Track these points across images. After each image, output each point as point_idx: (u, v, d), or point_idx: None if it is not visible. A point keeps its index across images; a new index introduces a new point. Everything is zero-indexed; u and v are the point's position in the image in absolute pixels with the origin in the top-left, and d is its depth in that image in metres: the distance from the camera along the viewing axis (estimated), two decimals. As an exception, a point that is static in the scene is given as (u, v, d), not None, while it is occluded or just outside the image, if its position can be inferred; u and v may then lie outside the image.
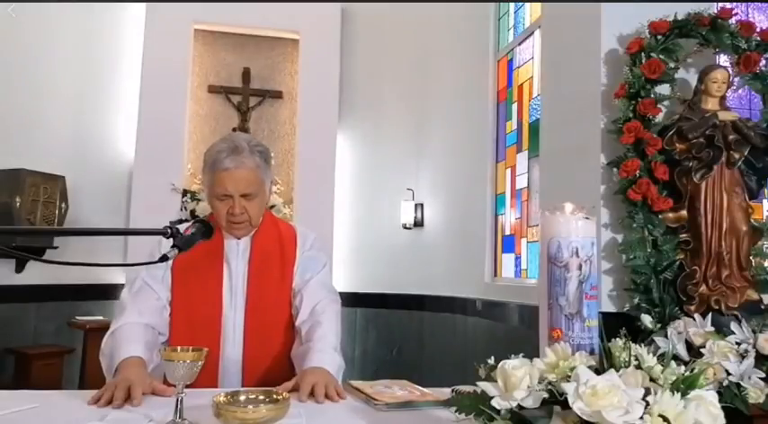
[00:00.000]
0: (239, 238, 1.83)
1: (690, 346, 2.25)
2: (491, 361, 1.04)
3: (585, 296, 1.09)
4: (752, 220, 2.60)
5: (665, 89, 2.74)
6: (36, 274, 4.31)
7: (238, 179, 1.70)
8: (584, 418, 0.85)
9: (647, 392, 0.88)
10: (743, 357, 2.10)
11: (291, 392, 1.47)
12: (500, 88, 4.55)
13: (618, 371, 0.92)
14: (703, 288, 2.52)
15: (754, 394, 2.02)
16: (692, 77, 2.79)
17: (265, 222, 1.88)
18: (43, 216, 4.22)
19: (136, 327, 1.71)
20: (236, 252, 1.83)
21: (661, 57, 2.70)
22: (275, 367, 1.78)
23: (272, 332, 1.82)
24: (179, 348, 1.31)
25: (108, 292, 4.76)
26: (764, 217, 2.95)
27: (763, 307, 2.52)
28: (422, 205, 5.18)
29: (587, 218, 1.12)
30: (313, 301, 1.80)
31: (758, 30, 2.79)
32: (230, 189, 1.70)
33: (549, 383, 0.94)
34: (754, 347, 2.13)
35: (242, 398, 1.24)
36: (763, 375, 2.07)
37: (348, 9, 5.38)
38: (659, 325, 2.47)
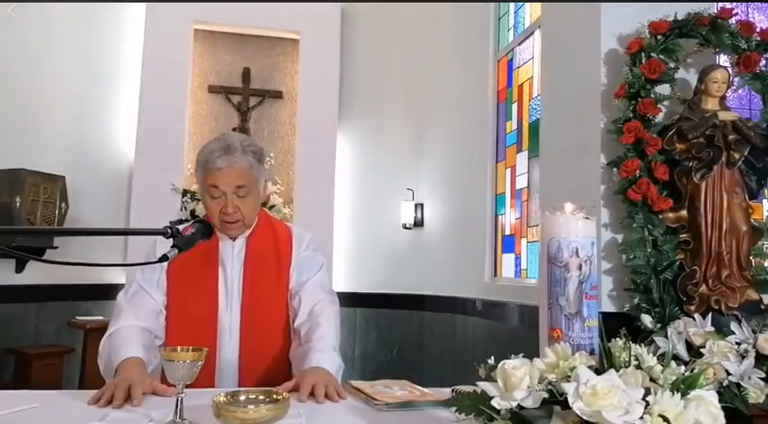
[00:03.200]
0: (234, 239, 1.83)
1: (690, 346, 2.25)
2: (491, 361, 1.04)
3: (585, 296, 1.09)
4: (752, 220, 2.60)
5: (665, 89, 2.74)
6: (36, 274, 4.31)
7: (231, 176, 1.70)
8: (585, 418, 0.85)
9: (647, 392, 0.88)
10: (743, 357, 2.10)
11: (291, 392, 1.47)
12: (500, 88, 4.55)
13: (618, 371, 0.92)
14: (703, 288, 2.52)
15: (754, 394, 2.02)
16: (692, 77, 2.79)
17: (260, 223, 1.88)
18: (43, 216, 4.22)
19: (133, 330, 1.71)
20: (231, 254, 1.83)
21: (661, 57, 2.70)
22: (272, 368, 1.79)
23: (269, 333, 1.82)
24: (179, 348, 1.30)
25: (108, 292, 4.75)
26: (764, 217, 2.95)
27: (763, 307, 2.52)
28: (422, 205, 5.18)
29: (587, 218, 1.12)
30: (311, 302, 1.80)
31: (758, 30, 2.79)
32: (222, 185, 1.70)
33: (549, 383, 0.94)
34: (754, 347, 2.13)
35: (242, 398, 1.24)
36: (763, 375, 2.07)
37: (348, 9, 5.39)
38: (659, 325, 2.47)
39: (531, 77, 4.15)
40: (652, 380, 0.93)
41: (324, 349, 1.66)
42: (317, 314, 1.77)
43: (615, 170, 2.73)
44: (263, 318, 1.81)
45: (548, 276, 1.11)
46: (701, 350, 2.16)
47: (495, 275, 4.38)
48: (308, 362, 1.62)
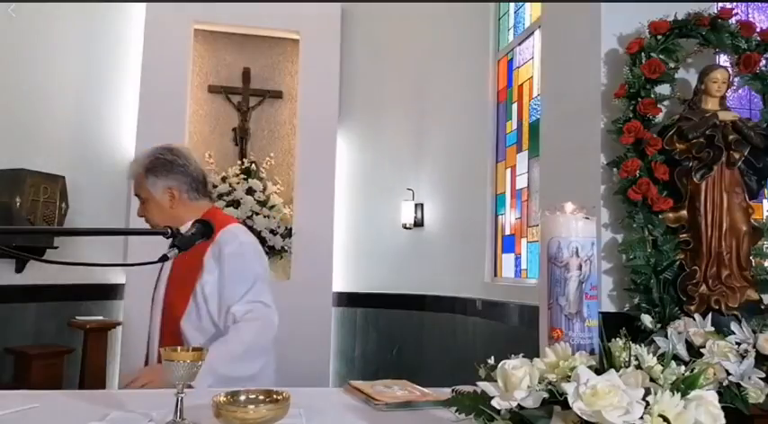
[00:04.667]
0: None
1: (690, 346, 2.25)
2: (491, 361, 1.04)
3: (585, 296, 1.09)
4: (752, 220, 2.60)
5: (665, 89, 2.74)
6: (36, 274, 4.30)
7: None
8: (585, 418, 0.85)
9: (647, 392, 0.88)
10: (743, 357, 2.10)
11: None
12: (500, 88, 4.55)
13: (618, 371, 0.92)
14: (703, 288, 2.52)
15: (754, 394, 2.02)
16: (692, 77, 2.79)
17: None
18: (43, 216, 4.21)
19: None
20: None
21: (661, 57, 2.70)
22: None
23: (174, 333, 1.89)
24: (179, 347, 1.31)
25: (108, 292, 4.76)
26: (764, 217, 2.95)
27: (763, 307, 2.52)
28: (422, 205, 5.18)
29: (587, 218, 1.12)
30: (237, 316, 1.83)
31: (758, 30, 2.79)
32: None
33: (549, 383, 0.94)
34: (754, 347, 2.13)
35: (242, 398, 1.24)
36: (763, 375, 2.07)
37: (348, 9, 5.38)
38: (659, 325, 2.47)
39: (531, 77, 4.15)
40: (652, 380, 0.93)
41: (209, 367, 1.72)
42: (232, 328, 1.82)
43: (615, 170, 2.73)
44: (170, 318, 1.90)
45: (548, 276, 1.11)
46: (701, 350, 2.16)
47: (495, 275, 4.38)
48: None
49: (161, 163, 1.96)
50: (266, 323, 1.85)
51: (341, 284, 5.16)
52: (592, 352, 1.05)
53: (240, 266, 1.88)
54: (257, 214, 4.81)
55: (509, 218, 4.35)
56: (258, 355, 1.84)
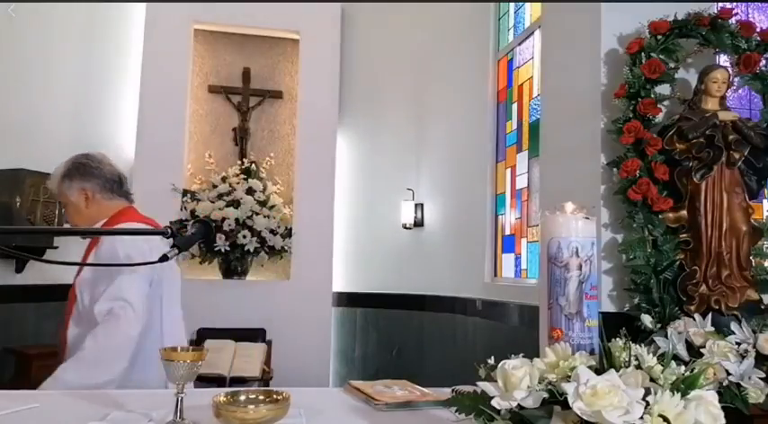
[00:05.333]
0: None
1: (690, 346, 2.25)
2: (491, 361, 1.04)
3: (585, 296, 1.09)
4: (752, 220, 2.60)
5: (665, 89, 2.74)
6: (36, 274, 4.30)
7: None
8: (584, 418, 0.85)
9: (647, 392, 0.88)
10: (743, 357, 2.10)
11: None
12: (500, 88, 4.55)
13: (618, 371, 0.92)
14: (703, 288, 2.52)
15: (754, 394, 2.02)
16: (692, 77, 2.80)
17: (109, 223, 2.04)
18: (43, 216, 4.21)
19: None
20: None
21: (661, 57, 2.70)
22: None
23: (64, 329, 2.00)
24: (179, 347, 1.30)
25: (108, 292, 4.75)
26: (764, 217, 2.95)
27: (763, 307, 2.52)
28: (422, 205, 5.18)
29: (587, 218, 1.12)
30: (98, 318, 1.84)
31: (758, 30, 2.79)
32: None
33: (549, 383, 0.93)
34: (754, 347, 2.13)
35: (242, 398, 1.24)
36: (763, 375, 2.07)
37: (348, 9, 5.38)
38: (659, 325, 2.47)
39: (531, 77, 4.15)
40: (652, 380, 0.93)
41: (54, 374, 1.80)
42: (89, 335, 1.84)
43: (615, 170, 2.73)
44: (66, 310, 2.00)
45: (548, 276, 1.11)
46: (701, 350, 2.17)
47: (495, 275, 4.38)
48: None
49: (75, 167, 2.08)
50: (124, 322, 1.79)
51: (341, 284, 5.16)
52: (592, 352, 1.05)
53: (108, 261, 1.86)
54: (257, 214, 4.81)
55: (509, 218, 4.35)
56: (115, 358, 1.77)
